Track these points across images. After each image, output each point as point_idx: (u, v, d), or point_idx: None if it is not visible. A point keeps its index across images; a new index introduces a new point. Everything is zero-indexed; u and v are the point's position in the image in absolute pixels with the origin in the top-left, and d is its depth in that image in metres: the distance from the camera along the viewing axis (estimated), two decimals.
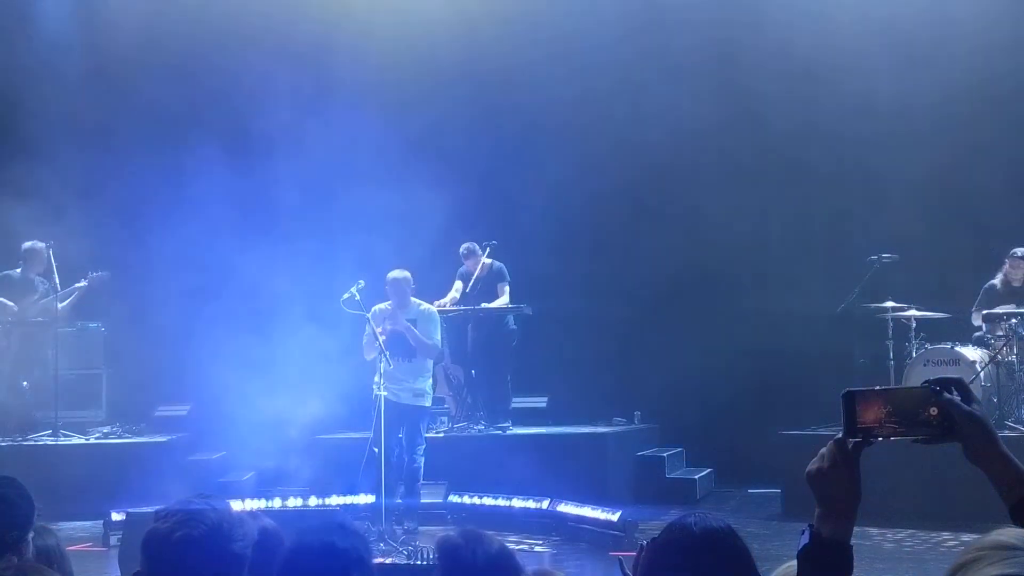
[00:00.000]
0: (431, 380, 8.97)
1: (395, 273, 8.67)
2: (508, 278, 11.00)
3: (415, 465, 8.79)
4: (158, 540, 2.40)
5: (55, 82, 12.11)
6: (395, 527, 8.19)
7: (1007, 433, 8.68)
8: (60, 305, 10.63)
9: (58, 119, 11.67)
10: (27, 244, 10.72)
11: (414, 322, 8.60)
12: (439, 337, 8.90)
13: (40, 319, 10.66)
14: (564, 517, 8.72)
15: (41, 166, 10.92)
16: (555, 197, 12.28)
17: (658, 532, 2.43)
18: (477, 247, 11.01)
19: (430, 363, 8.92)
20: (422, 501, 8.89)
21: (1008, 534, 1.51)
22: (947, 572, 1.51)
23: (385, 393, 8.03)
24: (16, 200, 10.75)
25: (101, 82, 12.13)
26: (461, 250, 11.06)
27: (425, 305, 8.91)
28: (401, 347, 8.40)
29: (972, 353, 9.39)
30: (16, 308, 10.61)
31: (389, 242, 10.60)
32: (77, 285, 10.81)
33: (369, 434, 8.32)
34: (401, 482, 8.75)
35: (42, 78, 12.09)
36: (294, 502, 8.76)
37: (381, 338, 8.08)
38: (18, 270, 10.76)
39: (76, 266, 10.90)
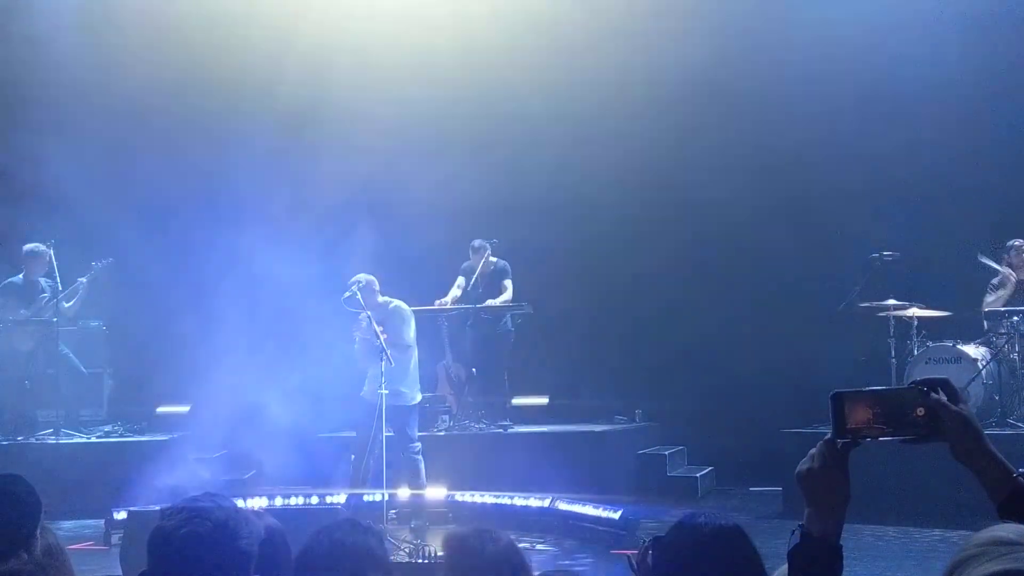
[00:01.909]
0: (416, 376, 8.89)
1: (358, 278, 8.47)
2: (511, 275, 11.01)
3: (414, 459, 8.81)
4: (164, 537, 2.42)
5: (57, 72, 11.95)
6: (402, 525, 8.23)
7: (1008, 431, 8.71)
8: (67, 305, 10.62)
9: (56, 117, 11.67)
10: (28, 247, 10.58)
11: (383, 322, 8.46)
12: (410, 334, 8.71)
13: (55, 319, 10.55)
14: (565, 515, 8.73)
15: (39, 163, 10.91)
16: (555, 195, 12.28)
17: (660, 530, 2.44)
18: (487, 245, 10.99)
19: (411, 361, 8.80)
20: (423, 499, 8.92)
21: (1006, 530, 1.52)
22: (946, 568, 1.52)
23: (385, 392, 8.06)
24: (15, 199, 10.78)
25: (105, 74, 12.07)
26: (471, 245, 11.04)
27: (395, 303, 8.73)
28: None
29: (974, 351, 9.39)
30: (27, 314, 10.51)
31: (390, 240, 10.63)
32: (81, 280, 10.71)
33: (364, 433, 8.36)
34: (403, 479, 8.79)
35: (45, 66, 11.97)
36: (295, 500, 8.76)
37: (383, 336, 8.09)
38: (20, 275, 10.64)
39: (75, 261, 10.85)
